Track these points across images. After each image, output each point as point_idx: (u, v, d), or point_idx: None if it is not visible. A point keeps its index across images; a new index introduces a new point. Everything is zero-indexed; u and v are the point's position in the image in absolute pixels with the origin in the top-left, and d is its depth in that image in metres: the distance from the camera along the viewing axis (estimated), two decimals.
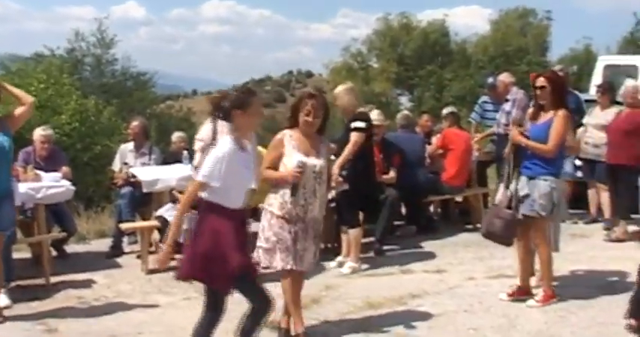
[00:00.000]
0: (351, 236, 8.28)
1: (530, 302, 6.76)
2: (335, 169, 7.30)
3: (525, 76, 31.72)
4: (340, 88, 8.47)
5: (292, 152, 5.77)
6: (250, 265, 5.04)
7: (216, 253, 4.75)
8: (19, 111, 6.86)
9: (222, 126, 6.08)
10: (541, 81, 6.81)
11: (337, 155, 7.94)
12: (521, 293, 6.92)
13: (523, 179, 6.83)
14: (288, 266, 5.80)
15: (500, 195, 7.04)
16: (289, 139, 5.83)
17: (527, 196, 6.73)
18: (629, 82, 10.13)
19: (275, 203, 5.78)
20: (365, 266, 8.36)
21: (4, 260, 6.84)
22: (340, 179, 6.89)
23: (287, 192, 5.70)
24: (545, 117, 6.73)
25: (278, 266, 5.83)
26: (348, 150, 8.01)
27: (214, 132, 6.92)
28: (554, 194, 6.63)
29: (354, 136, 8.09)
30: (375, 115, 8.99)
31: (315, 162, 5.76)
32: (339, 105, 8.35)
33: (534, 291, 6.96)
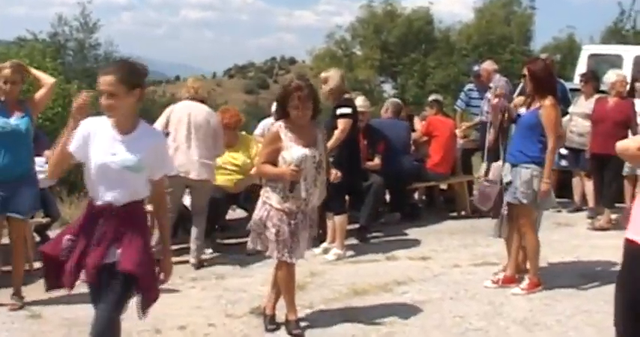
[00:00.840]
0: (336, 222, 8.27)
1: (516, 289, 6.78)
2: None
3: (509, 65, 31.94)
4: (333, 71, 8.44)
5: (291, 145, 5.66)
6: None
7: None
8: (39, 93, 6.86)
9: None
10: (525, 69, 6.84)
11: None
12: (506, 282, 6.94)
13: (507, 166, 6.86)
14: (285, 259, 5.75)
15: (482, 169, 7.14)
16: (285, 131, 5.70)
17: (509, 183, 6.75)
18: (613, 72, 10.15)
19: (273, 197, 5.70)
20: (350, 252, 8.35)
21: None
22: (339, 173, 6.88)
23: (286, 187, 5.64)
24: (534, 105, 6.74)
25: (273, 256, 5.80)
26: (336, 136, 7.97)
27: None
28: (534, 181, 6.62)
29: (341, 123, 8.07)
30: (359, 102, 8.96)
31: (315, 152, 5.69)
32: (328, 88, 8.28)
33: (519, 279, 6.99)
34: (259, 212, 5.79)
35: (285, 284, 5.91)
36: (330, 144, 7.82)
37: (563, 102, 10.12)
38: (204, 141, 7.86)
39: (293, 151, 5.63)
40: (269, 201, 5.73)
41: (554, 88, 6.86)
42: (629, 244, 3.76)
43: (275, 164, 5.69)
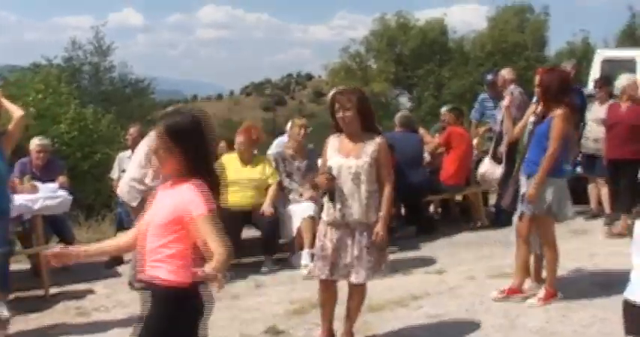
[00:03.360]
0: None
1: (531, 301, 6.72)
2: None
3: (524, 72, 31.83)
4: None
5: (332, 154, 5.70)
6: None
7: None
8: (10, 127, 6.84)
9: None
10: (536, 79, 6.78)
11: None
12: (512, 292, 6.88)
13: (522, 178, 6.81)
14: (323, 276, 5.73)
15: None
16: (333, 142, 5.75)
17: (524, 195, 6.70)
18: (624, 76, 10.08)
19: (324, 209, 5.74)
20: None
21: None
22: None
23: (327, 196, 5.66)
24: (549, 115, 6.66)
25: (315, 273, 5.80)
26: None
27: None
28: (547, 192, 6.56)
29: None
30: None
31: (352, 163, 5.61)
32: None
33: (529, 289, 6.94)
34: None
35: (320, 303, 5.93)
36: None
37: (582, 111, 10.15)
38: None
39: (331, 160, 5.66)
40: (322, 214, 5.78)
41: (565, 99, 6.70)
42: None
43: None
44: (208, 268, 3.40)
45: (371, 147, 5.65)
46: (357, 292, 5.86)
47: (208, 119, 3.85)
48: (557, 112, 6.55)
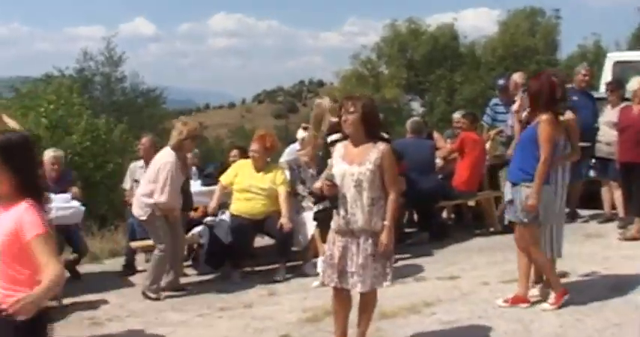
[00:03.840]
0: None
1: (544, 305, 6.68)
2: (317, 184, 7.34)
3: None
4: (323, 100, 8.32)
5: (337, 161, 5.70)
6: None
7: None
8: None
9: None
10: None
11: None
12: (516, 301, 6.81)
13: (508, 184, 6.77)
14: (332, 284, 5.71)
15: None
16: (339, 148, 5.76)
17: (511, 202, 6.66)
18: (636, 79, 10.04)
19: (333, 217, 5.75)
20: None
21: None
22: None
23: (332, 203, 5.67)
24: (535, 120, 6.61)
25: (325, 281, 5.79)
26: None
27: None
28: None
29: None
30: None
31: (355, 170, 5.57)
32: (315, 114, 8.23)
33: (536, 294, 6.93)
34: None
35: (333, 310, 5.93)
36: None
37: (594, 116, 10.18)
38: None
39: (336, 167, 5.67)
40: (332, 222, 5.76)
41: (553, 104, 6.58)
42: None
43: None
44: (27, 295, 3.40)
45: (374, 154, 5.60)
46: (367, 300, 5.84)
47: (34, 141, 3.90)
48: (543, 117, 6.49)
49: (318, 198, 7.37)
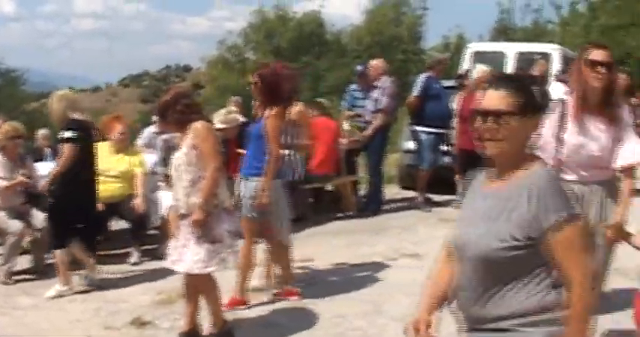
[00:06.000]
0: (57, 258, 7.47)
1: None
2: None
3: (403, 64, 32.16)
4: (53, 97, 7.69)
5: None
6: None
7: None
8: None
9: None
10: (255, 77, 6.55)
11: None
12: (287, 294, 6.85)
13: (239, 179, 6.65)
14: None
15: None
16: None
17: (243, 197, 6.50)
18: (480, 67, 10.53)
19: None
20: None
21: None
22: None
23: None
24: (265, 114, 6.51)
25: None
26: (60, 164, 7.40)
27: None
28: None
29: (65, 149, 7.34)
30: (217, 117, 8.91)
31: (178, 154, 5.63)
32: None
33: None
34: None
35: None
36: (52, 173, 7.53)
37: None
38: None
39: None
40: None
41: (280, 97, 6.47)
42: None
43: None
44: None
45: (189, 136, 5.58)
46: (188, 282, 5.82)
47: None
48: (270, 113, 6.42)
49: None
